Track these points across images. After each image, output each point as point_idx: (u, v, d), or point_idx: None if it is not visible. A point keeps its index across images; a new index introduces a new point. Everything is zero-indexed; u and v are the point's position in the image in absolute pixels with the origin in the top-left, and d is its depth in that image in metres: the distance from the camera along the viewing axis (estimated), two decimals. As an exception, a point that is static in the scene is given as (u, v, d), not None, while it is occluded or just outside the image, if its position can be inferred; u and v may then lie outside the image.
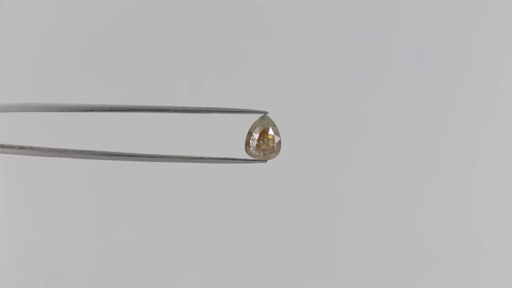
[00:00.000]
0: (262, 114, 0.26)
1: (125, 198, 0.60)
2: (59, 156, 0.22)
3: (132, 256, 0.60)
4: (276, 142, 0.26)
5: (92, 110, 0.22)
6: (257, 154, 0.26)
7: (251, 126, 0.26)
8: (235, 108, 0.25)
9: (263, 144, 0.26)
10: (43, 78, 0.60)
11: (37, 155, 0.22)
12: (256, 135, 0.26)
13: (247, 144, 0.26)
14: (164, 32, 0.59)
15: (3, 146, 0.22)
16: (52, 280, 0.61)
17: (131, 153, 0.22)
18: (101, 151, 0.22)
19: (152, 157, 0.22)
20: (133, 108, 0.23)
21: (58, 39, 0.60)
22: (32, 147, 0.22)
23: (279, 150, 0.26)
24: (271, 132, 0.26)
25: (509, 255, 0.58)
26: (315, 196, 0.59)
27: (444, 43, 0.58)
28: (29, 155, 0.22)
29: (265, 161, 0.25)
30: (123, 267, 0.60)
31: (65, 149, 0.22)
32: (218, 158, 0.24)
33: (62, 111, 0.23)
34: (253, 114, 0.26)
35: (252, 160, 0.26)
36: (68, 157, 0.22)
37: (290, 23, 0.59)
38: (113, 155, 0.22)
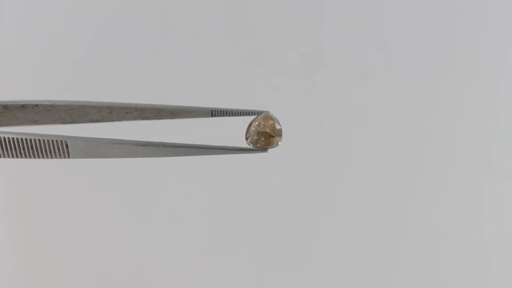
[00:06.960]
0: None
1: (125, 197, 0.60)
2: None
3: (133, 256, 0.60)
4: (277, 128, 0.25)
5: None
6: (258, 139, 0.25)
7: (251, 121, 0.25)
8: (236, 108, 0.24)
9: (264, 128, 0.25)
10: (42, 78, 0.60)
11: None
12: (257, 123, 0.25)
13: (248, 133, 0.25)
14: (164, 33, 0.59)
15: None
16: (54, 280, 0.60)
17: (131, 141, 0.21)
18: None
19: (149, 144, 0.21)
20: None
21: (58, 39, 0.60)
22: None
23: (281, 137, 0.25)
24: (272, 118, 0.25)
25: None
26: (317, 198, 0.59)
27: (444, 44, 0.58)
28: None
29: (266, 150, 0.25)
30: (124, 267, 0.60)
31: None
32: (217, 148, 0.23)
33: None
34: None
35: (253, 149, 0.25)
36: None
37: (290, 22, 0.59)
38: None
